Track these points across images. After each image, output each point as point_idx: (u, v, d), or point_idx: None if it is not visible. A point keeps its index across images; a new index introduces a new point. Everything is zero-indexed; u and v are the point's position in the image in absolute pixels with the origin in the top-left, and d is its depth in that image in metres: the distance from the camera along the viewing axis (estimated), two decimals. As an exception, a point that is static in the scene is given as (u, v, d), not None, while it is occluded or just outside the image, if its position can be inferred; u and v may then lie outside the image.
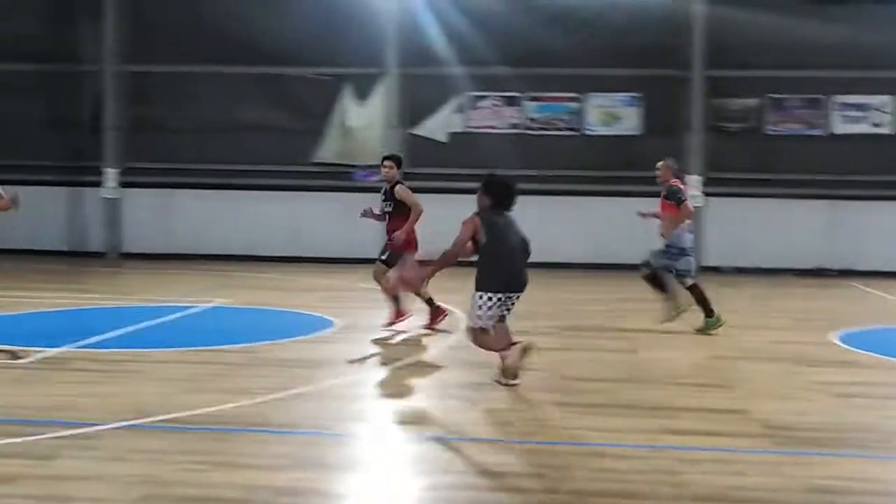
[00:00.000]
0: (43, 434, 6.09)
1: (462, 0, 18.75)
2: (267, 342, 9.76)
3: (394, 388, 8.03)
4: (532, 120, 19.43)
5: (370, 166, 18.78)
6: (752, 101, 19.04)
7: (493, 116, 19.45)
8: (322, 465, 5.67)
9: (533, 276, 7.83)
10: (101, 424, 6.35)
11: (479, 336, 7.76)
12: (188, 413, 6.73)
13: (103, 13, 19.50)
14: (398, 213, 10.39)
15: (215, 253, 19.13)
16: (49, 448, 5.83)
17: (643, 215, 11.52)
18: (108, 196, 19.58)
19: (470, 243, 7.64)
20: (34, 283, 14.97)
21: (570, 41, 18.52)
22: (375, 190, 17.00)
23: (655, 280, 10.91)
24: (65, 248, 19.57)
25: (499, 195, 7.78)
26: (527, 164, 17.81)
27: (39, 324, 11.15)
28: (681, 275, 10.76)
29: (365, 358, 9.20)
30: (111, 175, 19.52)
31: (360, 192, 18.93)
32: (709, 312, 10.72)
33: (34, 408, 6.87)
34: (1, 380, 7.84)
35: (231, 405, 7.00)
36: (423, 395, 7.78)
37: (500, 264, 7.61)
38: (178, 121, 19.82)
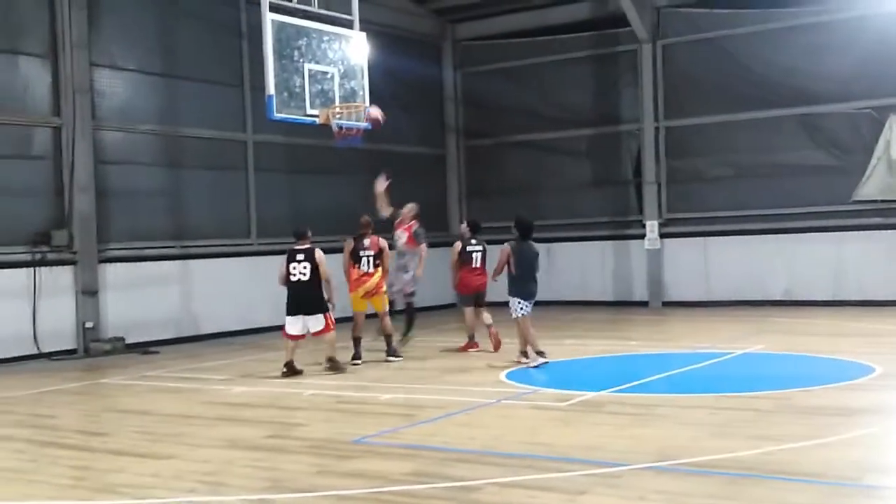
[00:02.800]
0: (575, 471, 6.64)
1: None
2: (800, 388, 9.54)
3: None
4: None
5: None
6: None
7: None
8: (845, 518, 5.46)
9: None
10: (628, 465, 6.73)
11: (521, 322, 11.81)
12: (711, 458, 6.85)
13: (640, 76, 20.58)
14: None
15: (753, 299, 19.00)
16: (579, 484, 6.34)
17: None
18: (650, 247, 20.41)
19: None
20: (583, 331, 16.12)
21: None
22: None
23: None
24: (611, 298, 20.77)
25: (522, 230, 11.99)
26: None
27: (584, 369, 12.06)
28: None
29: (907, 407, 8.59)
30: (652, 226, 20.36)
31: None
32: None
33: (570, 446, 7.49)
34: (543, 420, 8.64)
35: (755, 451, 7.00)
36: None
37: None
38: (713, 169, 20.16)
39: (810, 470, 6.46)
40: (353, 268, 12.94)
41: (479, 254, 13.72)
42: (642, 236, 20.44)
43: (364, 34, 13.68)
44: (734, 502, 5.79)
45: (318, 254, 12.01)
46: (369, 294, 12.88)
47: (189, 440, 8.25)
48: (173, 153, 17.13)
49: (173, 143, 17.11)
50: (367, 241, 12.95)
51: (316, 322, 11.84)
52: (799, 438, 7.32)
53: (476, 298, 13.57)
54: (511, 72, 22.30)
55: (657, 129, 20.54)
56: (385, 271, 13.08)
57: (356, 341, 12.80)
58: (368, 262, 12.88)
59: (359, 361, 12.66)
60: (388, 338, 13.06)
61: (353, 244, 13.03)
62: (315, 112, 13.62)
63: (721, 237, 19.77)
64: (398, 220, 13.97)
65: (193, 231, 17.10)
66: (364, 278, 12.87)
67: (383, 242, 13.12)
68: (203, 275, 17.06)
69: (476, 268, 13.60)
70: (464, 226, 14.57)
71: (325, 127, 14.08)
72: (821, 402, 8.84)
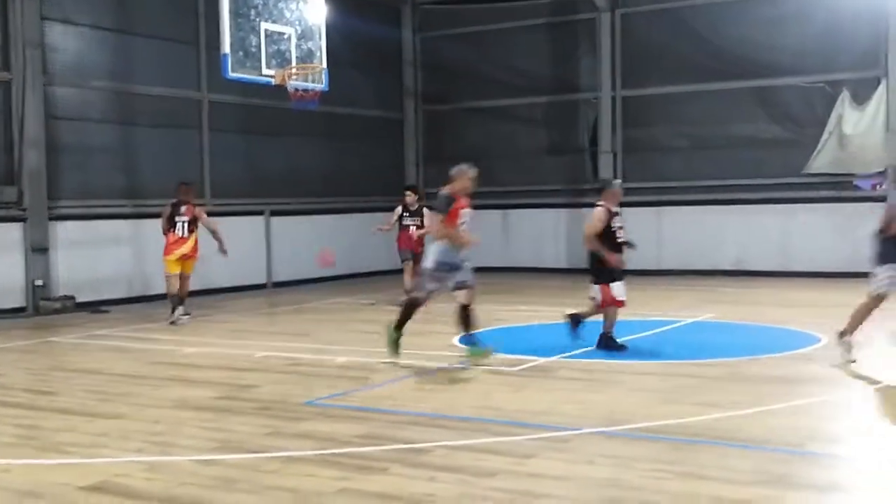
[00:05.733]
0: (525, 435, 6.71)
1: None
2: (747, 357, 9.70)
3: (872, 409, 7.57)
4: None
5: (871, 176, 17.80)
6: None
7: None
8: (788, 483, 5.56)
9: None
10: (576, 429, 6.82)
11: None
12: (658, 423, 6.96)
13: (598, 44, 20.59)
14: None
15: (704, 268, 19.24)
16: (528, 448, 6.41)
17: None
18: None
19: None
20: (536, 297, 16.22)
21: None
22: (877, 199, 16.03)
23: None
24: (565, 266, 20.90)
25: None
26: None
27: (537, 335, 12.15)
28: None
29: (852, 377, 8.76)
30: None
31: (858, 201, 17.91)
32: None
33: (520, 410, 7.56)
34: (495, 384, 8.70)
35: (702, 417, 7.12)
36: (911, 418, 7.26)
37: None
38: (668, 139, 20.30)
39: (754, 437, 6.58)
40: (170, 232, 13.68)
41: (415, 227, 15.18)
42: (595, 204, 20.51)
43: (322, -7, 13.55)
44: (680, 467, 5.88)
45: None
46: (185, 257, 13.63)
47: (138, 400, 8.20)
48: (126, 110, 16.86)
49: (126, 101, 16.83)
50: (183, 208, 13.67)
51: None
52: (744, 406, 7.45)
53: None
54: (470, 37, 22.20)
55: (614, 98, 20.59)
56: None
57: (175, 300, 13.51)
58: (183, 227, 13.63)
59: (175, 319, 13.35)
60: (181, 300, 13.60)
61: (170, 210, 13.75)
62: (271, 72, 13.49)
63: (674, 207, 19.96)
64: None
65: (146, 190, 16.87)
66: (179, 242, 13.61)
67: (199, 210, 13.83)
68: (155, 234, 16.77)
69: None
70: (410, 195, 15.34)
71: (282, 88, 13.98)
72: (767, 371, 9.00)
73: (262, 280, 18.82)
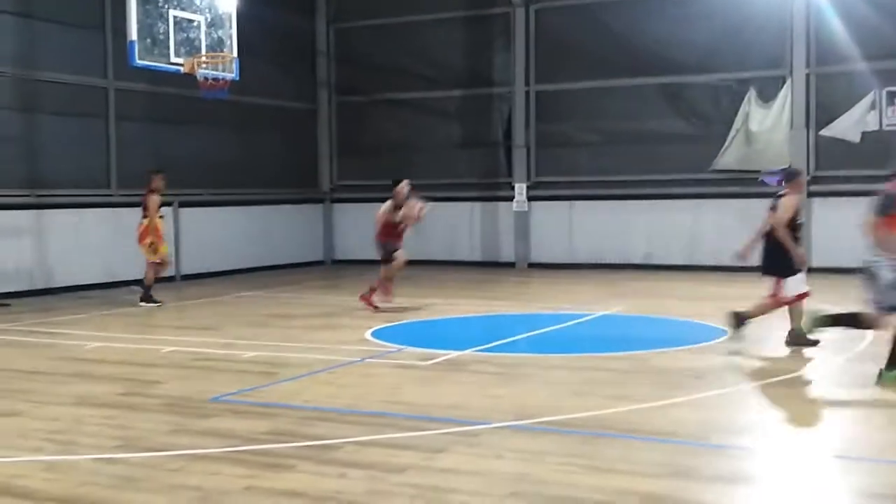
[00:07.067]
0: (435, 430, 6.68)
1: (873, -12, 17.47)
2: (655, 350, 9.85)
3: (774, 402, 7.73)
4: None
5: (777, 172, 18.24)
6: None
7: (914, 112, 17.87)
8: (694, 475, 5.63)
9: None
10: (487, 423, 6.81)
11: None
12: (567, 416, 7.01)
13: (513, 39, 20.68)
14: None
15: (615, 262, 19.50)
16: (438, 443, 6.37)
17: None
18: (518, 209, 20.65)
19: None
20: (449, 291, 16.22)
21: None
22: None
23: None
24: (479, 259, 20.97)
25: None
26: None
27: (450, 329, 12.14)
28: None
29: (754, 369, 8.95)
30: (520, 189, 20.59)
31: (760, 197, 18.34)
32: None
33: (431, 405, 7.53)
34: (406, 378, 8.66)
35: (610, 410, 7.18)
36: (805, 410, 7.43)
37: None
38: (581, 134, 20.50)
39: (661, 429, 6.67)
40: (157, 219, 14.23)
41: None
42: (511, 198, 20.64)
43: (233, -19, 13.30)
44: (588, 460, 5.92)
45: None
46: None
47: (37, 397, 7.93)
48: (28, 97, 16.30)
49: (29, 87, 16.26)
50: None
51: None
52: (652, 399, 7.55)
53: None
54: (386, 28, 22.06)
55: (528, 92, 20.71)
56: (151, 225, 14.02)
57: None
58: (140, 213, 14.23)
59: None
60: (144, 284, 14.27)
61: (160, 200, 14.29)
62: (180, 61, 13.21)
63: (586, 201, 20.16)
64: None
65: (49, 180, 16.36)
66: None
67: (147, 197, 14.03)
68: (59, 225, 16.38)
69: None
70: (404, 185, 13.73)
71: (191, 77, 13.69)
72: (674, 364, 9.14)
73: (170, 272, 18.43)
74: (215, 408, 7.45)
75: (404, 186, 13.60)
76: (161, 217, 14.21)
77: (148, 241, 14.07)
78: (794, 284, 9.68)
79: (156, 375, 8.84)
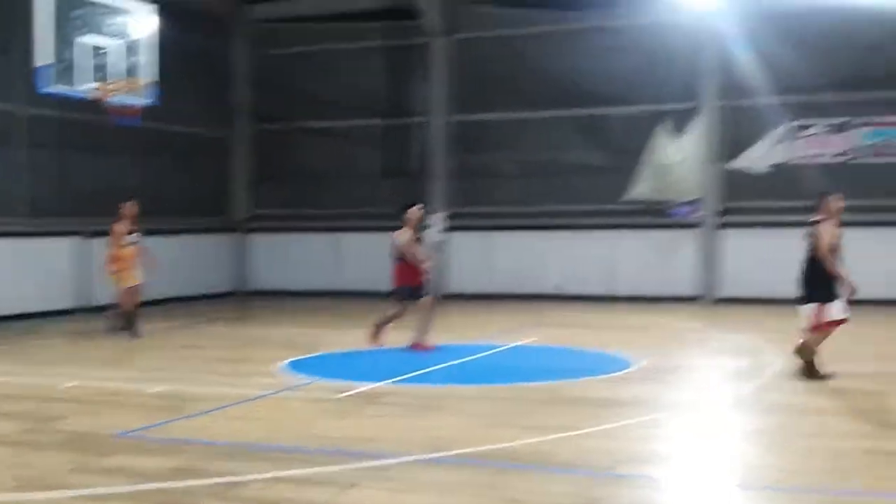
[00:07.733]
0: (346, 464, 6.57)
1: (781, 25, 17.98)
2: (567, 380, 9.89)
3: (682, 431, 7.82)
4: (865, 147, 18.20)
5: (688, 203, 18.65)
6: None
7: (819, 145, 18.43)
8: (602, 507, 5.65)
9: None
10: (399, 457, 6.73)
11: None
12: (481, 448, 6.96)
13: (431, 69, 20.78)
14: None
15: (531, 292, 19.60)
16: (349, 477, 6.27)
17: None
18: (436, 239, 20.66)
19: None
20: (368, 322, 16.04)
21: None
22: (693, 226, 16.70)
23: None
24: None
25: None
26: (858, 194, 16.66)
27: (364, 360, 12.03)
28: None
29: (663, 399, 9.04)
30: (438, 219, 20.62)
31: (674, 228, 18.73)
32: None
33: (344, 438, 7.42)
34: (319, 411, 8.54)
35: (522, 441, 7.17)
36: (716, 439, 7.52)
37: None
38: (500, 165, 20.66)
39: (570, 460, 6.68)
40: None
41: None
42: (427, 228, 20.64)
43: (149, 6, 13.12)
44: (500, 492, 5.89)
45: None
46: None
47: (-69, 435, 7.61)
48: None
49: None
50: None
51: None
52: (563, 429, 7.55)
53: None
54: (306, 56, 21.98)
55: (447, 122, 20.81)
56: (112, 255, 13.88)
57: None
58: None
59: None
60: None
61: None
62: (91, 86, 12.94)
63: (504, 231, 20.31)
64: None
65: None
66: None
67: (112, 225, 13.90)
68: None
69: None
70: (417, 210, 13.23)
71: (103, 103, 13.42)
72: (584, 394, 9.20)
73: (79, 303, 17.93)
74: (120, 444, 7.23)
75: (417, 210, 13.05)
76: (129, 244, 13.88)
77: (114, 267, 13.79)
78: (835, 310, 9.50)
79: (58, 411, 8.54)
